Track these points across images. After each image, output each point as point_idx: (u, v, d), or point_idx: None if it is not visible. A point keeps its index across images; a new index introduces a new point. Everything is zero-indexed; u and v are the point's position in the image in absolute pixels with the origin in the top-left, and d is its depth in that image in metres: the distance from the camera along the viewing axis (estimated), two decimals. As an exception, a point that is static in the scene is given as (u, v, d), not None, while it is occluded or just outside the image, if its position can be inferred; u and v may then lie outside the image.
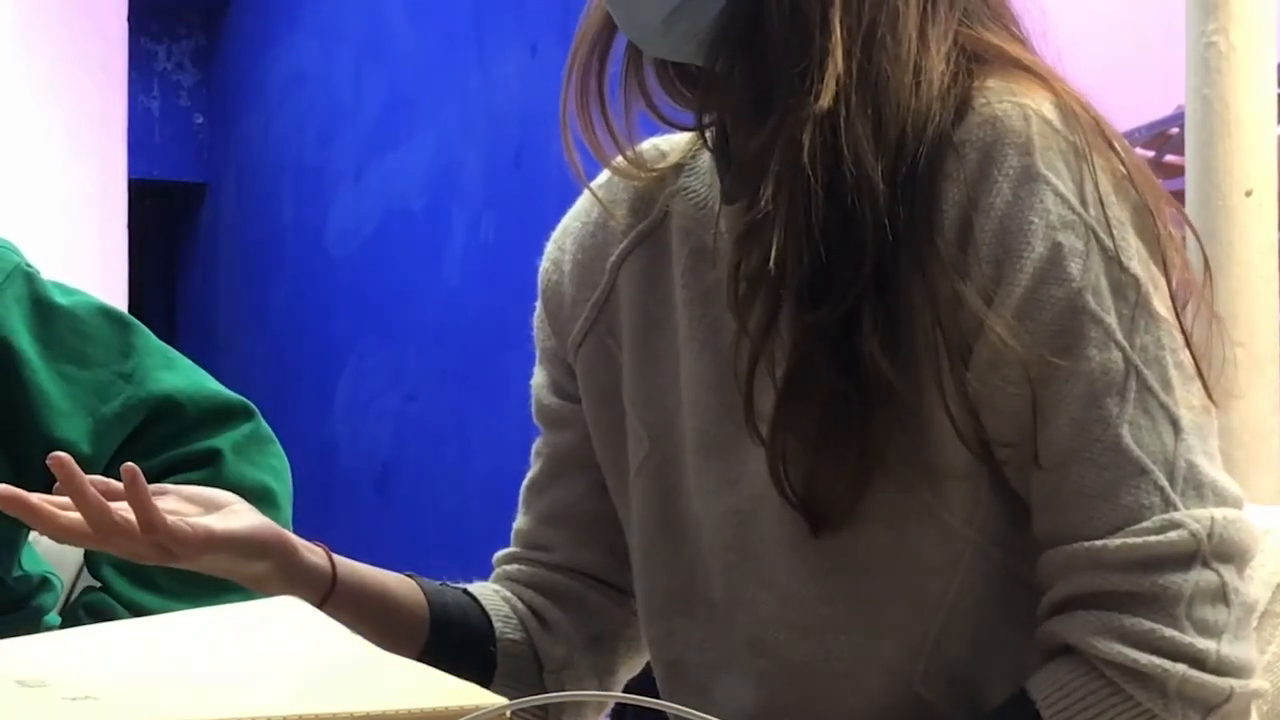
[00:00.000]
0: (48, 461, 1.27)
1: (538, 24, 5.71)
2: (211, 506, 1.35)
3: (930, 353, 1.25)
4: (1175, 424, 1.24)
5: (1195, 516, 1.22)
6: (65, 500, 1.29)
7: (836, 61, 1.25)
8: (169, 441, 1.95)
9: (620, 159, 1.41)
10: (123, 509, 1.28)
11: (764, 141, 1.28)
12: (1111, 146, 1.28)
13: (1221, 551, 1.22)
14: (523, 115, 5.77)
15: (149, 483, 1.30)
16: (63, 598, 2.09)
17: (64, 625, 2.00)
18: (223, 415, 1.98)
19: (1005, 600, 1.30)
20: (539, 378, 1.52)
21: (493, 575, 1.52)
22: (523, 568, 1.50)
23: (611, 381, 1.44)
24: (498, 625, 1.46)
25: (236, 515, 1.34)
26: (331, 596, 1.38)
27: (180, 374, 1.99)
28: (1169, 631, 1.21)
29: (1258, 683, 1.24)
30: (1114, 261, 1.25)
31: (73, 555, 2.11)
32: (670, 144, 1.45)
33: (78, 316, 1.96)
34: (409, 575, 1.46)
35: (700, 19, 1.31)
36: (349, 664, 1.10)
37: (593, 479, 1.48)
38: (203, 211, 8.09)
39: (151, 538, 1.28)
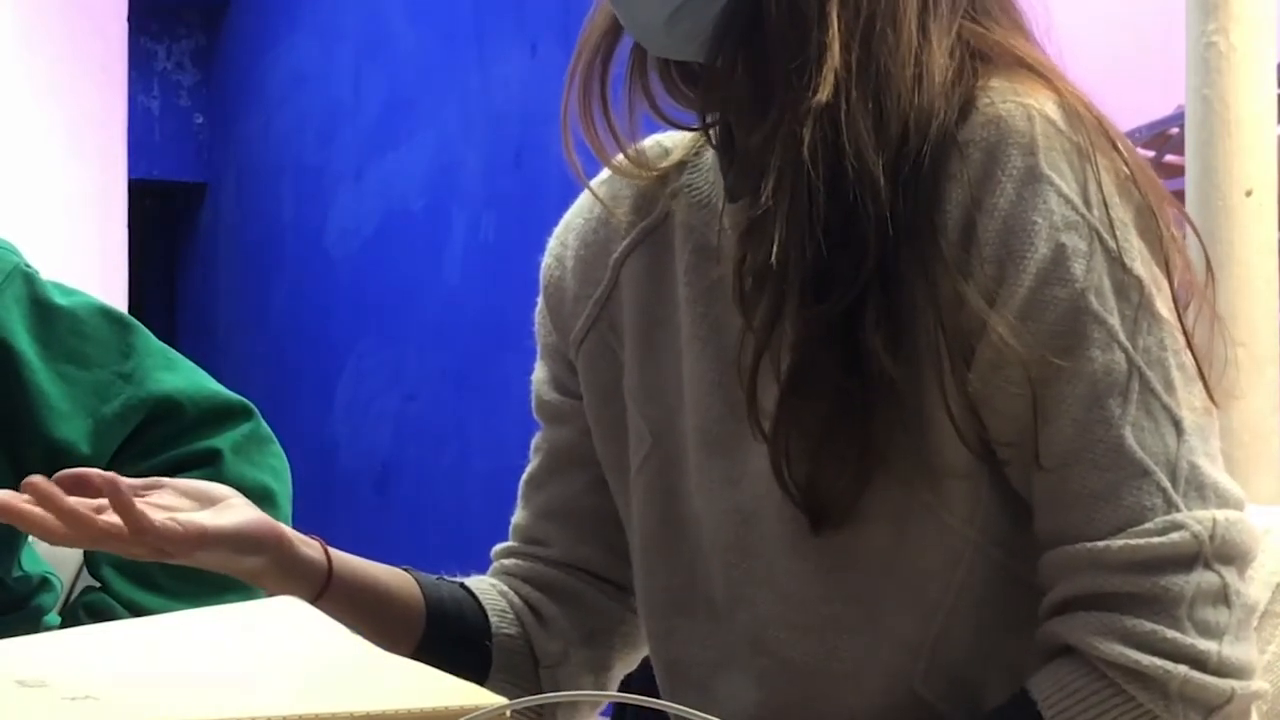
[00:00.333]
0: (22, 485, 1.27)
1: (538, 24, 5.71)
2: (207, 501, 1.35)
3: (932, 352, 1.25)
4: (1177, 425, 1.24)
5: (1197, 518, 1.22)
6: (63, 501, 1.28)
7: (834, 55, 1.25)
8: (169, 442, 1.95)
9: (622, 158, 1.41)
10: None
11: (764, 137, 1.28)
12: (1115, 147, 1.28)
13: (1223, 553, 1.22)
14: (523, 115, 5.77)
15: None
16: (63, 598, 2.09)
17: (64, 625, 2.00)
18: (222, 415, 1.98)
19: (1005, 601, 1.30)
20: (539, 373, 1.52)
21: (490, 569, 1.52)
22: (520, 562, 1.50)
23: (613, 379, 1.44)
24: (493, 620, 1.47)
25: (231, 511, 1.34)
26: (327, 590, 1.38)
27: (180, 374, 1.99)
28: (1170, 633, 1.21)
29: (1259, 684, 1.24)
30: (1117, 262, 1.25)
31: (73, 555, 2.11)
32: (674, 140, 1.45)
33: (77, 317, 1.96)
34: (405, 569, 1.46)
35: (702, 18, 1.31)
36: (349, 664, 1.10)
37: (591, 475, 1.48)
38: (203, 211, 8.09)
39: (141, 540, 1.28)
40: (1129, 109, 2.69)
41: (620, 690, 1.51)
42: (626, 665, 1.53)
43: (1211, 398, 1.27)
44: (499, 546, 1.53)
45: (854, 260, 1.25)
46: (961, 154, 1.25)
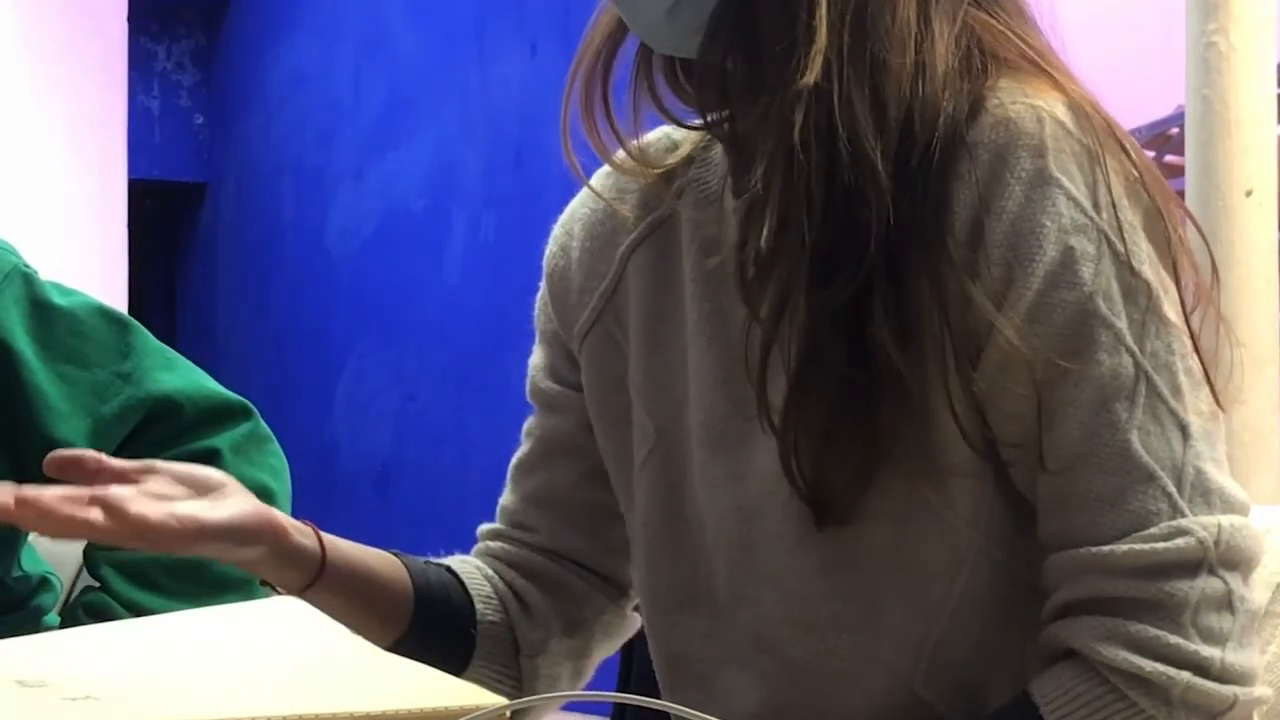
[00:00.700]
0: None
1: (538, 24, 5.71)
2: (203, 489, 1.34)
3: (938, 352, 1.25)
4: (1184, 430, 1.24)
5: (1202, 524, 1.22)
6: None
7: (821, 38, 1.25)
8: (168, 441, 1.95)
9: (624, 156, 1.41)
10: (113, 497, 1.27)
11: (756, 122, 1.28)
12: (1123, 149, 1.27)
13: (1228, 559, 1.22)
14: (523, 115, 5.77)
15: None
16: (62, 598, 2.09)
17: (64, 625, 2.00)
18: (221, 415, 1.98)
19: (1008, 603, 1.29)
20: (536, 358, 1.52)
21: (474, 549, 1.53)
22: (505, 545, 1.51)
23: (617, 373, 1.44)
24: (479, 606, 1.47)
25: (226, 501, 1.33)
26: (321, 578, 1.38)
27: (179, 374, 1.99)
28: (1174, 638, 1.21)
29: (1261, 690, 1.23)
30: (1125, 266, 1.24)
31: (73, 555, 2.11)
32: (682, 133, 1.45)
33: (76, 317, 1.96)
34: (394, 553, 1.46)
35: (700, 11, 1.31)
36: (349, 664, 1.10)
37: (582, 466, 1.48)
38: (203, 211, 8.09)
39: (140, 538, 1.27)
40: (1129, 109, 2.69)
41: (620, 689, 1.51)
42: (605, 653, 1.54)
43: (1218, 402, 1.26)
44: (485, 526, 1.53)
45: (856, 247, 1.24)
46: (970, 156, 1.25)
